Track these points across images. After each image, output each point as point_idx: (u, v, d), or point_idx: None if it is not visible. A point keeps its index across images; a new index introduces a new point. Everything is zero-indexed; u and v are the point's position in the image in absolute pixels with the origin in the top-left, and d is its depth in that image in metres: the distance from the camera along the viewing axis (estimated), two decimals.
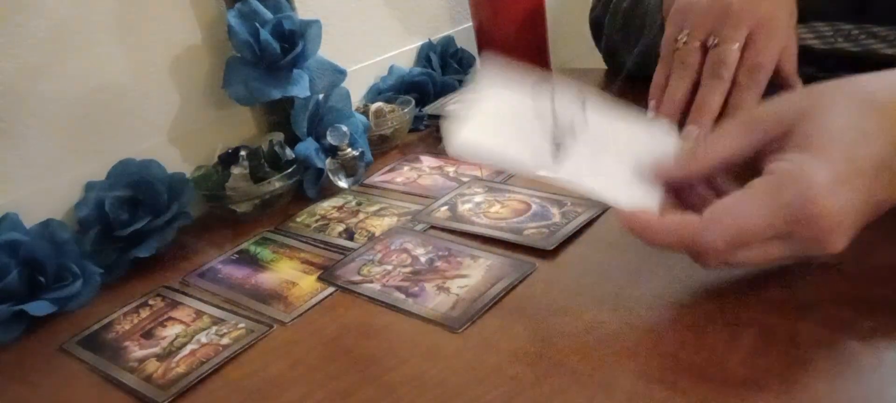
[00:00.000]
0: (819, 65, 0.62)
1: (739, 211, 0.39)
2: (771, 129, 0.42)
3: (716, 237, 0.40)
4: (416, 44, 1.01)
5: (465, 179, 0.70)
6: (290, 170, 0.72)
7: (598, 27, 0.91)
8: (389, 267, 0.56)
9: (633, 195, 0.45)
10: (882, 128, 0.39)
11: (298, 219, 0.70)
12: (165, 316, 0.57)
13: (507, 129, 0.47)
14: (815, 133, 0.39)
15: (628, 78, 0.89)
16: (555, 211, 0.59)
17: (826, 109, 0.40)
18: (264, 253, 0.64)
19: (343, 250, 0.61)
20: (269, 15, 0.73)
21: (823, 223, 0.38)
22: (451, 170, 0.74)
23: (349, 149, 0.73)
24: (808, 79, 0.63)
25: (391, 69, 0.96)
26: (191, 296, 0.59)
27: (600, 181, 0.46)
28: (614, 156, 0.47)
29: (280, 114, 0.78)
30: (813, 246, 0.39)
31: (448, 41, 1.02)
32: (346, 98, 0.78)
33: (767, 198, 0.39)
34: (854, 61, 0.60)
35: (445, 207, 0.65)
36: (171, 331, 0.54)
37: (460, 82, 0.96)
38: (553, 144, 0.47)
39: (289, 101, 0.75)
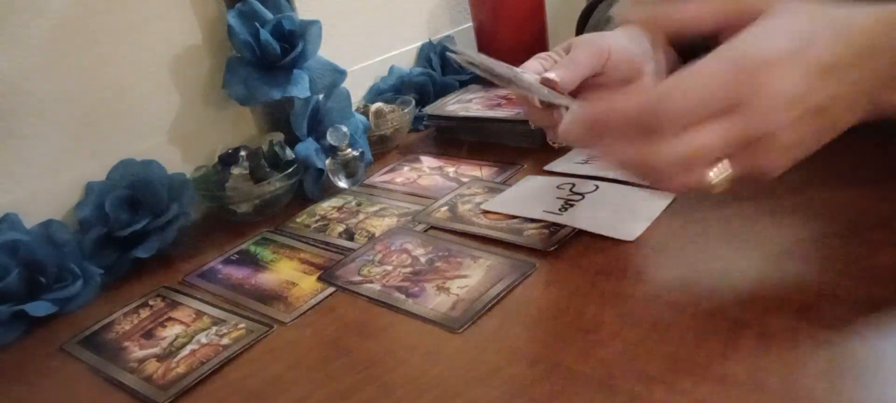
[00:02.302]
0: None
1: (698, 72, 0.37)
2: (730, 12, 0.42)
3: (677, 102, 0.37)
4: (417, 44, 1.01)
5: (464, 180, 0.70)
6: (290, 171, 0.72)
7: None
8: (389, 268, 0.56)
9: (617, 227, 0.54)
10: (833, 33, 0.38)
11: (298, 220, 0.70)
12: (165, 317, 0.57)
13: (530, 197, 0.62)
14: (766, 23, 0.39)
15: None
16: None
17: (778, 11, 0.40)
18: (264, 253, 0.64)
19: (343, 250, 0.61)
20: (269, 15, 0.73)
21: (764, 81, 0.37)
22: (450, 170, 0.74)
23: (349, 150, 0.73)
24: None
25: (391, 69, 0.96)
26: (191, 297, 0.59)
27: (593, 222, 0.55)
28: (607, 210, 0.57)
29: (280, 115, 0.78)
30: (753, 118, 0.37)
31: (448, 41, 1.02)
32: (346, 98, 0.78)
33: (717, 59, 0.38)
34: None
35: (445, 208, 0.65)
36: (171, 332, 0.54)
37: (460, 83, 0.96)
38: (563, 203, 0.59)
39: (289, 102, 0.75)
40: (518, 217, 0.59)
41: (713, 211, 0.53)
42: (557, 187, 0.62)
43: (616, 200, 0.58)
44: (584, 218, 0.56)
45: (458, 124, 0.82)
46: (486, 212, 0.62)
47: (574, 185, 0.62)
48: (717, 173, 0.38)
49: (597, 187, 0.61)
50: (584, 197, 0.59)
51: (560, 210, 0.58)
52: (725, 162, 0.38)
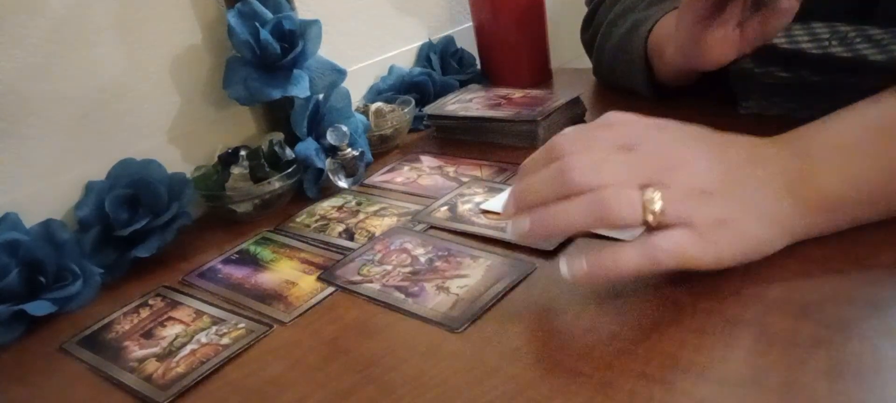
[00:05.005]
0: (812, 68, 0.62)
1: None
2: None
3: (568, 134, 0.45)
4: (416, 44, 1.01)
5: (464, 179, 0.70)
6: (289, 170, 0.72)
7: (590, 49, 0.91)
8: (389, 267, 0.56)
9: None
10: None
11: (298, 219, 0.70)
12: (165, 316, 0.57)
13: None
14: None
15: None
16: None
17: None
18: (264, 253, 0.64)
19: (343, 250, 0.61)
20: (269, 15, 0.73)
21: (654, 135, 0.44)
22: (450, 170, 0.74)
23: (349, 149, 0.73)
24: (803, 82, 0.63)
25: (391, 69, 0.96)
26: (191, 296, 0.59)
27: None
28: None
29: (280, 114, 0.78)
30: (648, 147, 0.44)
31: (448, 41, 1.02)
32: (346, 98, 0.78)
33: None
34: (846, 66, 0.60)
35: (445, 207, 0.65)
36: (171, 331, 0.54)
37: (460, 82, 0.96)
38: None
39: (289, 101, 0.75)
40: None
41: None
42: None
43: None
44: None
45: (458, 124, 0.82)
46: (486, 212, 0.62)
47: None
48: (651, 196, 0.41)
49: None
50: None
51: None
52: (653, 190, 0.41)
